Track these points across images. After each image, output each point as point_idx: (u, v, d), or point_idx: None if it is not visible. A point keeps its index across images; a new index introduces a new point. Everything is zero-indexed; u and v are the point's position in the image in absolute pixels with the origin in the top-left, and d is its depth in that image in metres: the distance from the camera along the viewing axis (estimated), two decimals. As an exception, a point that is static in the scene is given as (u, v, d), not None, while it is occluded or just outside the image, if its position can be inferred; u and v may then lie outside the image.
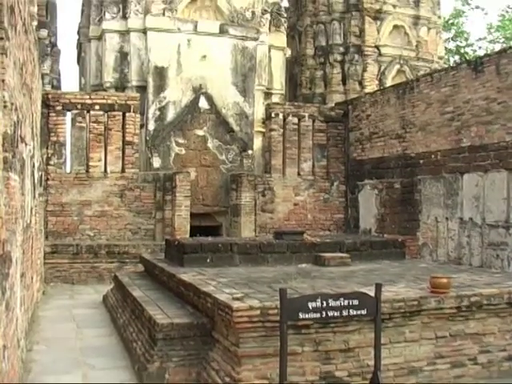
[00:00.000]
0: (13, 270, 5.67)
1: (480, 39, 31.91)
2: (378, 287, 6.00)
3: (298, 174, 16.80)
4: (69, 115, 14.91)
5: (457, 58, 31.33)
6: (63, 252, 13.92)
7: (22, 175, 6.87)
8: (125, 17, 16.44)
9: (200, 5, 16.86)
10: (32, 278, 9.52)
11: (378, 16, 19.71)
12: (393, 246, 11.17)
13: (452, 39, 31.67)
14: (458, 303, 7.10)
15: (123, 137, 15.16)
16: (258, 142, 17.09)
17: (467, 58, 29.68)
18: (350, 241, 10.80)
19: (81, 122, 14.91)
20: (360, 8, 19.70)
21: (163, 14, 16.22)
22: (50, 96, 14.61)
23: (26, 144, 7.35)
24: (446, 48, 26.52)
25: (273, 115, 16.72)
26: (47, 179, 14.41)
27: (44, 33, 16.17)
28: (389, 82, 18.93)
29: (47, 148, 14.50)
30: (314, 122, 16.99)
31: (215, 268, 9.32)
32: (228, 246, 9.87)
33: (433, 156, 13.56)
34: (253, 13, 17.04)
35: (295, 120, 16.86)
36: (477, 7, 31.94)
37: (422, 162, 13.93)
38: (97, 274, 14.06)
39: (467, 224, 12.47)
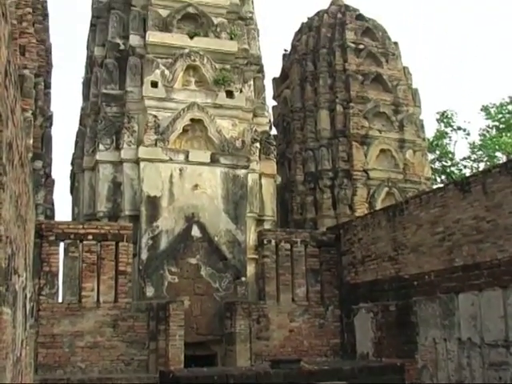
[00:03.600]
0: (2, 410, 5.49)
1: (464, 158, 32.73)
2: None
3: (293, 300, 16.64)
4: (62, 245, 14.91)
5: (443, 177, 31.99)
6: (53, 387, 13.47)
7: (14, 307, 6.80)
8: (118, 148, 16.81)
9: (191, 135, 17.29)
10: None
11: (365, 141, 20.27)
12: (391, 370, 10.97)
13: (437, 159, 32.48)
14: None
15: (116, 266, 15.10)
16: (251, 269, 17.03)
17: (453, 177, 30.35)
18: (347, 367, 10.61)
19: (74, 252, 14.89)
20: (347, 134, 20.28)
21: (155, 145, 16.60)
22: (43, 226, 14.66)
23: (18, 275, 7.33)
24: (432, 168, 27.12)
25: (265, 242, 16.77)
26: (39, 310, 14.19)
27: (39, 164, 16.53)
28: (378, 205, 19.16)
29: (39, 278, 14.38)
30: (306, 247, 17.02)
31: (211, 399, 9.06)
32: (224, 377, 9.67)
33: (426, 277, 13.54)
34: (243, 142, 17.46)
35: (287, 246, 16.90)
36: (459, 128, 32.92)
37: (416, 283, 13.88)
38: (88, 410, 13.57)
39: (466, 344, 12.27)
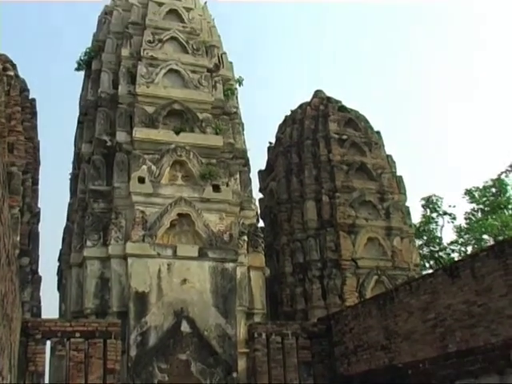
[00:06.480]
0: None
1: (452, 243, 32.81)
2: None
3: (286, 395, 16.23)
4: (48, 343, 14.58)
5: (432, 262, 31.98)
6: None
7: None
8: (105, 244, 16.75)
9: (179, 230, 17.30)
10: None
11: (352, 230, 20.33)
12: None
13: (425, 245, 32.56)
14: None
15: (104, 365, 14.69)
16: (242, 364, 16.65)
17: (442, 262, 30.35)
18: None
19: (61, 351, 14.51)
20: (334, 223, 20.35)
21: (143, 240, 16.57)
22: (29, 324, 14.34)
23: (2, 378, 7.14)
24: (420, 254, 27.17)
25: (256, 335, 16.49)
26: (22, 416, 13.66)
27: (26, 261, 16.44)
28: (368, 294, 19.04)
29: (24, 379, 13.89)
30: (297, 339, 16.73)
31: None
32: None
33: (421, 365, 13.30)
34: (230, 235, 17.46)
35: (279, 339, 16.60)
36: (444, 213, 33.15)
37: (410, 372, 13.62)
38: None
39: None
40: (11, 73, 18.21)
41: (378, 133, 22.82)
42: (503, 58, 59.83)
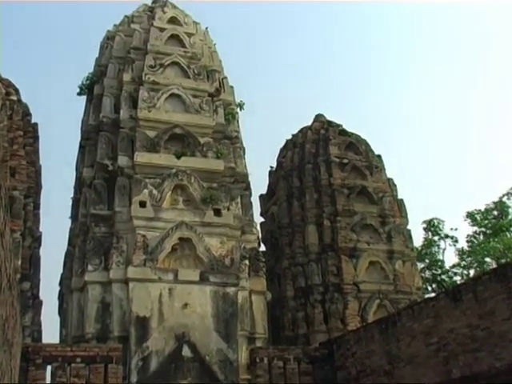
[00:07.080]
0: None
1: (454, 266, 32.71)
2: None
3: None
4: (49, 368, 14.45)
5: (434, 285, 31.86)
6: None
7: None
8: (107, 268, 16.70)
9: (180, 254, 17.26)
10: None
11: (354, 254, 20.28)
12: None
13: (427, 268, 32.46)
14: None
15: (105, 391, 14.60)
16: (243, 390, 16.55)
17: (444, 285, 30.24)
18: None
19: (61, 376, 14.34)
20: (335, 247, 20.31)
21: (144, 265, 16.52)
22: (30, 349, 14.20)
23: (4, 404, 7.08)
24: (422, 277, 27.06)
25: (257, 360, 16.35)
26: None
27: (27, 285, 16.36)
28: (370, 318, 18.94)
29: (25, 406, 13.83)
30: (299, 364, 16.57)
31: None
32: None
33: (424, 392, 13.20)
34: (232, 259, 17.41)
35: (280, 363, 16.45)
36: (446, 236, 33.10)
37: (413, 399, 13.51)
38: None
39: None
40: (14, 97, 18.30)
41: (379, 156, 22.89)
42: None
